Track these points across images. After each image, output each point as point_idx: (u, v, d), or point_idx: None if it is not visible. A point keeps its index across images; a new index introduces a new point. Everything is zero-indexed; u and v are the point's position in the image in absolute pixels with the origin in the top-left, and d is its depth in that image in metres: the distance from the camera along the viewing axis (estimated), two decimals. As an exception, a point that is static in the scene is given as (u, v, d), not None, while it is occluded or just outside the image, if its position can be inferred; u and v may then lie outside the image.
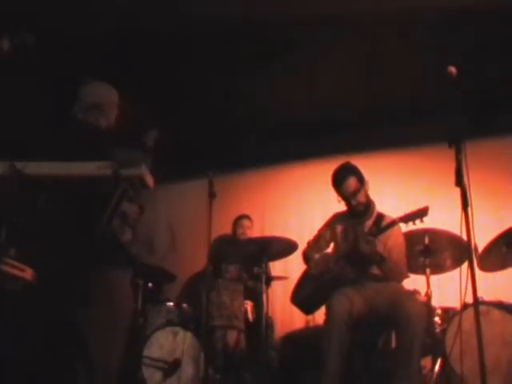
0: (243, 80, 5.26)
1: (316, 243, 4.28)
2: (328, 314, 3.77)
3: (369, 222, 4.07)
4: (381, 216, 4.08)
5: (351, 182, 3.98)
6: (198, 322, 4.38)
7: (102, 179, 2.86)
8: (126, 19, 4.55)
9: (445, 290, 4.73)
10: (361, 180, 4.02)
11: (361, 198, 4.01)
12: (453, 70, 3.06)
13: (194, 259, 5.18)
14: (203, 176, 4.38)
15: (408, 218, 3.76)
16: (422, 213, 3.72)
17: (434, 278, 4.40)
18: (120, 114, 3.38)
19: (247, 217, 5.47)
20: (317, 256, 4.20)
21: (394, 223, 3.85)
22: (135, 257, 3.16)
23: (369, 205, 4.09)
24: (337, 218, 4.25)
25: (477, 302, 2.73)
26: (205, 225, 4.14)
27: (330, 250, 4.28)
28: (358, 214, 4.07)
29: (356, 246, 3.91)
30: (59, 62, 4.59)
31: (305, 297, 4.08)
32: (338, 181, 4.03)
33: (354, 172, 4.04)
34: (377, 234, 3.85)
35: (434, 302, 4.31)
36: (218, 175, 4.31)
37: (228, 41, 4.80)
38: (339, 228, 4.17)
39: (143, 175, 2.86)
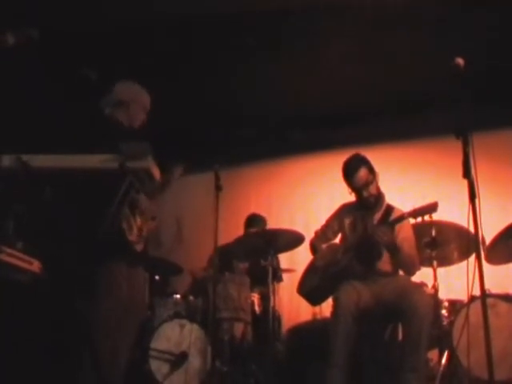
0: (249, 72, 5.25)
1: (323, 233, 4.28)
2: (335, 305, 3.76)
3: (378, 215, 4.06)
4: (390, 208, 4.07)
5: (363, 174, 3.95)
6: (204, 315, 4.39)
7: (109, 172, 2.87)
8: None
9: (452, 282, 4.73)
10: (372, 171, 4.00)
11: (372, 189, 4.00)
12: (460, 61, 3.03)
13: (201, 252, 5.18)
14: (209, 169, 4.38)
15: (417, 213, 3.73)
16: (431, 208, 3.69)
17: (441, 271, 4.39)
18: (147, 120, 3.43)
19: (260, 223, 5.33)
20: (324, 246, 4.20)
21: (402, 218, 3.83)
22: (141, 254, 3.18)
23: (379, 197, 4.07)
24: (345, 209, 4.22)
25: (484, 294, 2.71)
26: (211, 217, 4.14)
27: (337, 240, 4.26)
28: (368, 206, 4.05)
29: (366, 238, 3.90)
30: (60, 53, 4.59)
31: (312, 288, 4.07)
32: (350, 172, 4.00)
33: (366, 163, 4.01)
34: (385, 225, 3.85)
35: (441, 295, 4.30)
36: (224, 168, 4.30)
37: (230, 32, 4.77)
38: (348, 219, 4.15)
39: (149, 168, 2.88)
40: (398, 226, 3.91)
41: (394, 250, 3.86)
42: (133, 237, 3.03)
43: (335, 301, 3.78)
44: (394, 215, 3.99)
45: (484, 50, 4.72)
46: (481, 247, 2.92)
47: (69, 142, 3.11)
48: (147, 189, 3.11)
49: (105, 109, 3.30)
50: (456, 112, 2.86)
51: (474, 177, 2.76)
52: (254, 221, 5.33)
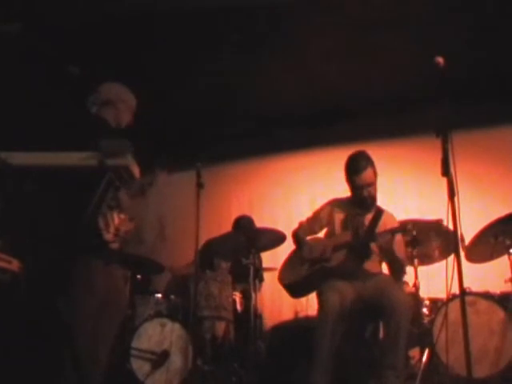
0: (231, 68, 5.23)
1: (309, 226, 4.19)
2: (321, 306, 3.72)
3: (369, 216, 4.03)
4: (380, 211, 4.03)
5: (370, 173, 3.91)
6: (186, 313, 4.38)
7: (88, 169, 2.85)
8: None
9: (433, 280, 4.73)
10: (375, 173, 3.97)
11: (373, 190, 3.97)
12: (440, 60, 3.05)
13: (183, 250, 5.17)
14: (192, 167, 4.36)
15: (420, 225, 3.76)
16: (435, 224, 3.73)
17: (422, 269, 4.41)
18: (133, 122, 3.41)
19: (250, 228, 5.16)
20: (309, 239, 4.13)
21: (404, 230, 3.85)
22: (118, 252, 3.15)
23: (374, 199, 4.03)
24: (336, 204, 4.15)
25: (463, 292, 2.72)
26: (193, 215, 4.13)
27: (321, 234, 4.21)
28: (363, 206, 4.01)
29: (359, 238, 3.89)
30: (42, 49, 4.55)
31: (295, 281, 3.98)
32: (357, 169, 3.92)
33: (372, 163, 3.96)
34: (388, 232, 3.84)
35: (423, 293, 4.31)
36: (206, 166, 4.28)
37: (215, 27, 4.74)
38: (339, 215, 4.09)
39: (129, 165, 2.85)
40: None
41: (392, 256, 3.89)
42: (109, 236, 3.00)
43: (321, 301, 3.75)
44: (384, 218, 3.99)
45: (465, 49, 4.75)
46: (460, 245, 2.97)
47: (52, 141, 3.09)
48: (128, 187, 3.09)
49: (91, 108, 3.28)
50: (436, 111, 2.88)
51: (454, 175, 2.78)
52: (242, 225, 5.31)
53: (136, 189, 3.20)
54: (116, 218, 3.05)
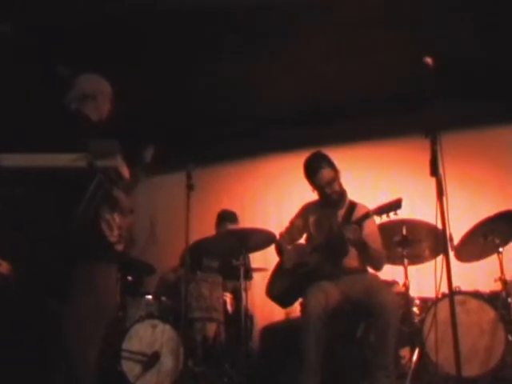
0: (227, 68, 5.23)
1: (288, 234, 4.27)
2: (303, 310, 3.78)
3: (341, 212, 4.08)
4: (353, 204, 4.09)
5: (326, 171, 3.97)
6: (177, 315, 4.36)
7: (77, 171, 2.84)
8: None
9: (424, 280, 4.76)
10: (335, 169, 4.01)
11: (335, 187, 4.01)
12: (429, 60, 3.07)
13: (174, 251, 5.16)
14: (183, 168, 4.36)
15: (381, 210, 3.75)
16: (395, 205, 3.71)
17: (413, 269, 4.45)
18: (112, 109, 3.38)
19: (233, 219, 5.29)
20: (290, 247, 4.18)
21: (367, 216, 3.84)
22: (121, 254, 3.15)
23: (342, 194, 4.08)
24: (309, 208, 4.23)
25: (451, 292, 2.74)
26: (184, 217, 4.13)
27: (302, 240, 4.26)
28: (331, 204, 4.07)
29: (332, 236, 3.92)
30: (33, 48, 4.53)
31: (281, 291, 4.06)
32: (313, 170, 4.01)
33: (328, 161, 4.02)
34: (353, 224, 3.85)
35: (413, 293, 4.34)
36: (197, 167, 4.28)
37: (213, 27, 4.73)
38: (312, 217, 4.16)
39: (118, 167, 2.84)
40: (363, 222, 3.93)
41: (363, 246, 3.89)
42: (114, 238, 2.99)
43: (303, 305, 3.80)
44: (357, 211, 4.02)
45: (455, 49, 4.76)
46: (449, 244, 2.98)
47: (39, 141, 3.07)
48: (120, 186, 3.08)
49: (70, 105, 3.24)
50: (425, 111, 2.89)
51: (442, 175, 2.79)
52: (225, 216, 5.32)
53: (127, 183, 3.19)
54: (117, 218, 3.04)
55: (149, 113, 5.70)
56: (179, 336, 4.18)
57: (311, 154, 4.12)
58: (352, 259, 4.01)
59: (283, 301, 4.12)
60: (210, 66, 5.19)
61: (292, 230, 4.26)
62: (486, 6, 4.41)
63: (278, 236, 4.27)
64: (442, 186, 2.74)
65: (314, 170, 4.00)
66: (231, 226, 5.24)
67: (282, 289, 4.05)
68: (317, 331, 3.58)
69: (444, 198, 2.75)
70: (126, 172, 2.94)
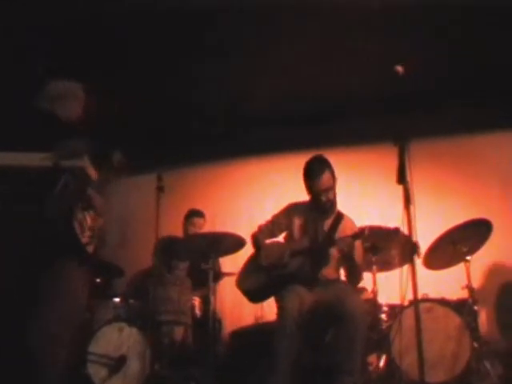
0: (198, 71, 5.20)
1: (268, 229, 4.17)
2: (280, 313, 3.73)
3: (329, 221, 4.05)
4: (340, 216, 4.07)
5: (327, 178, 3.90)
6: (144, 318, 4.32)
7: (43, 170, 2.81)
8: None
9: (392, 287, 4.78)
10: (334, 176, 3.96)
11: (331, 195, 3.97)
12: (399, 69, 3.09)
13: (143, 254, 5.11)
14: (155, 171, 4.34)
15: (378, 232, 3.78)
16: (392, 232, 3.74)
17: (382, 275, 4.46)
18: (83, 110, 3.34)
19: (200, 214, 5.36)
20: (268, 244, 4.11)
21: (363, 234, 3.85)
22: (92, 256, 3.11)
23: (334, 204, 4.05)
24: (295, 208, 4.14)
25: (416, 299, 2.76)
26: (154, 219, 4.11)
27: (281, 238, 4.20)
28: (322, 211, 4.02)
29: (317, 244, 3.91)
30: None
31: (254, 286, 3.97)
32: (314, 173, 3.92)
33: (330, 168, 3.95)
34: (349, 238, 3.85)
35: (382, 299, 4.36)
36: (169, 170, 4.27)
37: (191, 28, 4.68)
38: (298, 219, 4.08)
39: (84, 167, 2.81)
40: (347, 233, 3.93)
41: (352, 261, 3.90)
42: (85, 239, 2.96)
43: (280, 308, 3.76)
44: (344, 223, 4.03)
45: (429, 58, 4.80)
46: (415, 252, 3.01)
47: (9, 141, 3.03)
48: (94, 186, 3.05)
49: (42, 105, 3.21)
50: (394, 119, 2.92)
51: (410, 183, 2.81)
52: (192, 213, 5.33)
53: (98, 183, 3.16)
54: (89, 219, 3.01)
55: (121, 114, 5.64)
56: (146, 339, 4.14)
57: (314, 156, 4.03)
58: (330, 269, 3.99)
59: (253, 296, 4.03)
60: (185, 67, 5.15)
61: (273, 226, 4.17)
62: (454, 15, 4.46)
63: (256, 228, 4.20)
64: (409, 194, 2.76)
65: (315, 173, 3.91)
66: (198, 221, 5.25)
67: (254, 284, 3.96)
68: (291, 334, 3.56)
69: (411, 206, 2.76)
70: (92, 173, 2.91)
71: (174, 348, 4.36)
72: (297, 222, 4.08)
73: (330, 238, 3.93)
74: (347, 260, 3.91)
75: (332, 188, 3.96)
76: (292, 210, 4.16)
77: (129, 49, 4.90)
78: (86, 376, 4.01)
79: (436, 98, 5.25)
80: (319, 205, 3.99)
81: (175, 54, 5.00)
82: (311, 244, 3.93)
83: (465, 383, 3.94)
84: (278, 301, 3.83)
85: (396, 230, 3.66)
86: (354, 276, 4.01)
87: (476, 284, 4.96)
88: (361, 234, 3.86)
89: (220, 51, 4.96)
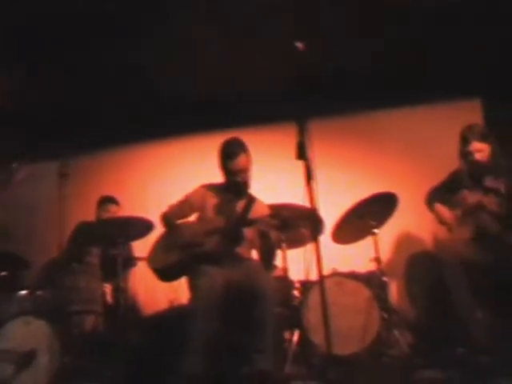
0: (111, 56, 5.04)
1: (180, 209, 4.12)
2: (194, 293, 3.71)
3: (241, 202, 4.05)
4: (252, 198, 4.08)
5: (242, 159, 3.92)
6: (54, 309, 4.19)
7: None
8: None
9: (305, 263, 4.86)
10: (250, 159, 3.98)
11: (246, 177, 3.98)
12: (300, 45, 3.10)
13: (51, 243, 4.94)
14: (59, 156, 4.20)
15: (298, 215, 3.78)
16: (310, 214, 3.71)
17: (295, 252, 4.50)
18: None
19: (113, 201, 5.20)
20: (181, 223, 4.06)
21: (274, 216, 3.87)
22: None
23: (248, 185, 4.06)
24: (209, 189, 4.12)
25: (321, 275, 2.82)
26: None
27: (192, 218, 4.15)
28: (235, 192, 4.03)
29: (233, 223, 3.89)
30: None
31: (166, 265, 3.88)
32: (230, 154, 3.93)
33: (245, 149, 3.96)
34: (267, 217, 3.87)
35: (294, 276, 4.41)
36: (75, 155, 4.13)
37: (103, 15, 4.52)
38: (212, 200, 4.06)
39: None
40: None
41: (269, 241, 3.93)
42: None
43: (192, 288, 3.74)
44: (256, 205, 4.04)
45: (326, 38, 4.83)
46: (319, 228, 3.06)
47: None
48: None
49: None
50: (296, 98, 2.92)
51: (312, 160, 2.83)
52: (106, 201, 5.19)
53: None
54: None
55: (23, 98, 5.42)
56: (55, 331, 4.00)
57: (230, 137, 4.03)
58: (244, 249, 4.00)
59: (165, 275, 3.95)
60: (95, 49, 4.96)
61: (184, 206, 4.12)
62: None
63: (167, 207, 4.14)
64: (310, 170, 2.78)
65: (231, 154, 3.91)
66: (111, 207, 5.12)
67: (166, 263, 3.88)
68: (206, 314, 3.54)
69: (313, 182, 2.79)
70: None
71: (86, 338, 4.25)
72: (210, 202, 4.06)
73: (245, 218, 3.94)
74: (264, 240, 3.93)
75: (247, 170, 3.98)
76: (206, 189, 4.13)
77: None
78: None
79: (337, 76, 5.32)
80: (234, 186, 4.00)
81: (84, 35, 4.80)
82: (226, 223, 3.91)
83: (376, 353, 4.07)
84: (190, 280, 3.81)
85: (312, 211, 3.67)
86: (269, 255, 4.03)
87: (385, 256, 5.15)
88: (278, 213, 3.89)
89: (132, 33, 4.81)
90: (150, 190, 5.96)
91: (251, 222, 3.90)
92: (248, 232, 3.98)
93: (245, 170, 3.96)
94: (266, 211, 4.04)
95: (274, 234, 4.01)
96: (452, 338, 3.97)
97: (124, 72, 5.33)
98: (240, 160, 3.92)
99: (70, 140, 5.59)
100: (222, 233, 3.88)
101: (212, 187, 4.13)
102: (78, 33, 4.70)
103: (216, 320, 3.62)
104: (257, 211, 4.02)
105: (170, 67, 5.23)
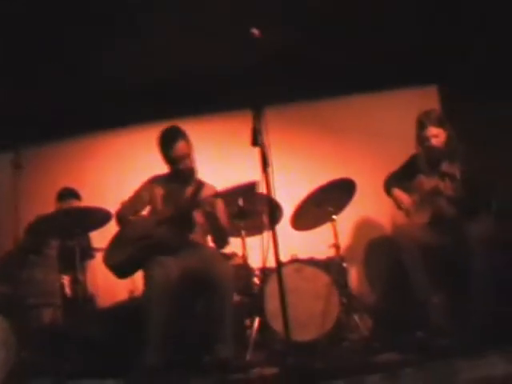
0: (64, 42, 4.91)
1: (132, 205, 4.12)
2: (147, 285, 3.69)
3: (190, 189, 4.04)
4: (201, 184, 4.07)
5: (182, 145, 3.92)
6: (10, 303, 4.11)
7: None
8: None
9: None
10: (189, 144, 3.97)
11: (189, 163, 3.97)
12: (255, 32, 3.10)
13: (7, 235, 4.84)
14: (14, 147, 4.11)
15: (234, 192, 3.74)
16: (250, 187, 3.67)
17: (255, 239, 4.51)
18: None
19: (74, 195, 5.03)
20: (133, 218, 4.05)
21: (227, 193, 3.80)
22: None
23: (193, 171, 4.05)
24: (156, 180, 4.13)
25: (279, 262, 2.83)
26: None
27: (145, 212, 4.15)
28: (181, 179, 4.02)
29: (180, 210, 3.87)
30: None
31: (120, 261, 3.88)
32: (167, 143, 3.93)
33: (184, 136, 3.96)
34: (210, 198, 3.84)
35: (254, 263, 4.42)
36: (30, 146, 4.05)
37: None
38: (159, 191, 4.07)
39: None
40: (211, 200, 3.91)
41: (217, 221, 3.90)
42: None
43: (147, 279, 3.71)
44: (204, 190, 4.01)
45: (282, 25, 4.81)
46: (276, 214, 3.07)
47: None
48: None
49: None
50: (252, 85, 2.91)
51: (268, 146, 2.84)
52: (66, 193, 5.06)
53: None
54: None
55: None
56: (12, 325, 3.92)
57: (167, 126, 4.03)
58: (197, 235, 3.99)
59: (120, 270, 3.94)
60: (49, 38, 4.84)
61: (136, 201, 4.12)
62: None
63: (119, 205, 4.12)
64: (266, 156, 2.78)
65: (169, 142, 3.92)
66: (73, 202, 5.01)
67: (120, 259, 3.87)
68: (160, 305, 3.53)
69: (269, 168, 2.79)
70: None
71: (44, 331, 4.18)
72: (158, 193, 4.07)
73: (192, 202, 3.93)
74: (212, 221, 3.91)
75: (188, 155, 3.96)
76: (153, 182, 4.14)
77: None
78: None
79: (294, 63, 5.30)
80: (177, 173, 4.00)
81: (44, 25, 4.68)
82: (173, 212, 3.90)
83: (336, 338, 4.11)
84: (144, 272, 3.79)
85: (252, 185, 3.65)
86: (221, 238, 4.02)
87: (344, 242, 5.19)
88: (221, 192, 3.85)
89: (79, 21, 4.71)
90: (109, 180, 5.89)
91: (198, 205, 3.88)
92: (199, 217, 3.98)
93: (186, 156, 3.95)
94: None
95: (222, 215, 4.00)
96: (411, 321, 4.02)
97: (79, 59, 5.22)
98: (179, 147, 3.92)
99: (23, 131, 5.46)
100: (171, 220, 3.87)
101: (159, 179, 4.14)
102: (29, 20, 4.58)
103: (173, 309, 3.62)
104: (206, 195, 4.00)
105: (130, 56, 5.14)
